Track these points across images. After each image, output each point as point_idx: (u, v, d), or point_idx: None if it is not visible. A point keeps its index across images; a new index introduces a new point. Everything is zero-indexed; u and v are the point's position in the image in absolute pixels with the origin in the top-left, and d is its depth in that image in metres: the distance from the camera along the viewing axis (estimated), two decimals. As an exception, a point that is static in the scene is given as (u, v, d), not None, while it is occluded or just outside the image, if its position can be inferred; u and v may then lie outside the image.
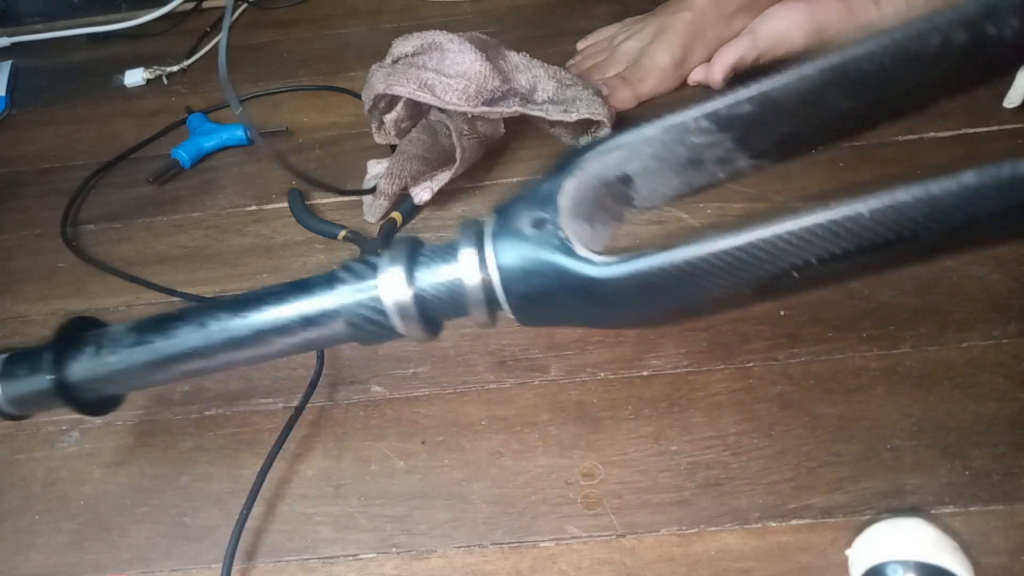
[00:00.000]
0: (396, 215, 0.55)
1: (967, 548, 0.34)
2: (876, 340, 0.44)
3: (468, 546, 0.39)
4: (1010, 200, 0.20)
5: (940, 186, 0.20)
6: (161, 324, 0.34)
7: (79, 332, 0.37)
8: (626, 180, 0.27)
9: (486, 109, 0.54)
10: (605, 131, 0.56)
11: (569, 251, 0.25)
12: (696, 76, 0.62)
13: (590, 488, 0.40)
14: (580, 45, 0.68)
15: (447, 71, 0.54)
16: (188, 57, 0.76)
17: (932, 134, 0.54)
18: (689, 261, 0.23)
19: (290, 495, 0.42)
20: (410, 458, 0.43)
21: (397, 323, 0.30)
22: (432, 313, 0.30)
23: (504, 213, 0.27)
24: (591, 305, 0.26)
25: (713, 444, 0.41)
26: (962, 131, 0.54)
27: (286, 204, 0.59)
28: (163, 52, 0.77)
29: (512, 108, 0.54)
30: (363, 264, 0.30)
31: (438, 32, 0.56)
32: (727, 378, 0.43)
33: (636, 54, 0.62)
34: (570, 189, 0.26)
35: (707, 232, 0.23)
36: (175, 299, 0.53)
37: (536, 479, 0.41)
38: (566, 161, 0.27)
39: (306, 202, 0.59)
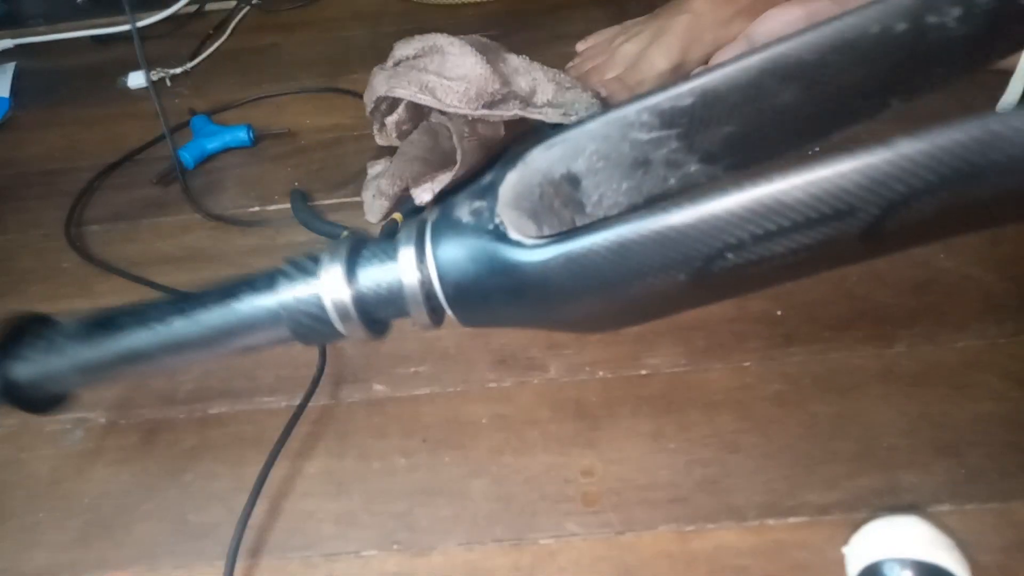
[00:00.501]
0: (397, 216, 0.56)
1: (963, 546, 0.34)
2: (872, 339, 0.44)
3: (468, 543, 0.39)
4: (953, 174, 0.18)
5: (875, 154, 0.19)
6: (107, 322, 0.32)
7: (24, 330, 0.35)
8: (573, 181, 0.26)
9: (486, 112, 0.55)
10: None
11: (501, 236, 0.24)
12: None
13: (589, 485, 0.40)
14: (579, 47, 0.68)
15: (448, 74, 0.55)
16: (191, 59, 0.77)
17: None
18: (617, 238, 0.22)
19: (293, 492, 0.42)
20: (412, 456, 0.43)
21: (337, 324, 0.28)
22: (373, 313, 0.28)
23: (446, 206, 0.27)
24: (524, 295, 0.25)
25: (710, 442, 0.41)
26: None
27: (289, 205, 0.59)
28: (166, 54, 0.78)
29: (512, 111, 0.55)
30: (305, 261, 0.29)
31: (439, 35, 0.56)
32: (724, 377, 0.44)
33: (634, 57, 0.62)
34: (512, 180, 0.25)
35: (639, 210, 0.22)
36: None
37: (536, 476, 0.41)
38: (511, 154, 0.26)
39: (308, 203, 0.59)
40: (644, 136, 0.24)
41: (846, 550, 0.36)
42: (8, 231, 0.62)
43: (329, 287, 0.28)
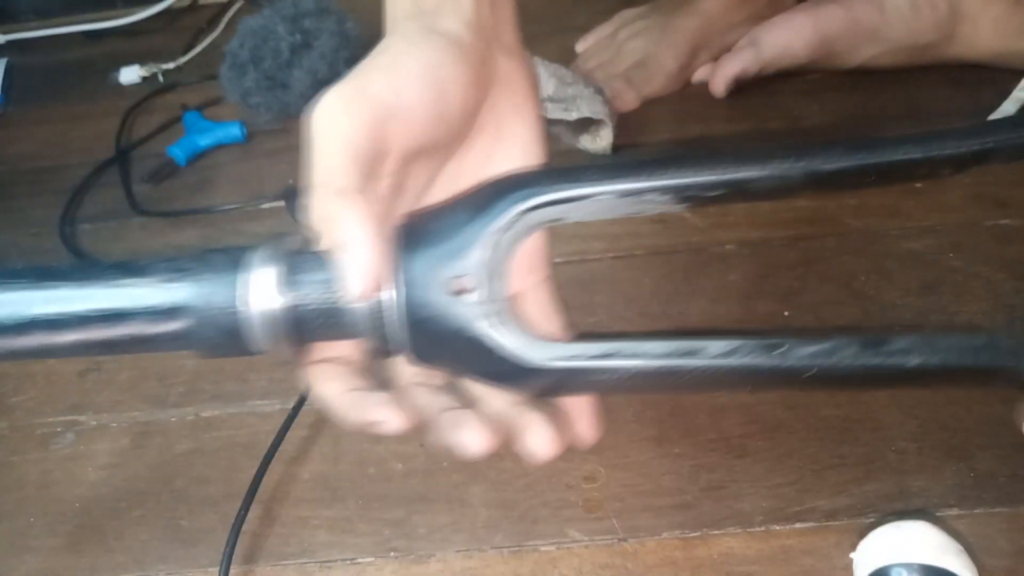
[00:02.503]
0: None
1: (972, 551, 0.34)
2: (880, 341, 0.44)
3: (467, 550, 0.38)
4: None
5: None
6: None
7: None
8: (558, 221, 0.25)
9: (485, 107, 0.54)
10: (607, 131, 0.56)
11: (491, 330, 0.23)
12: (700, 75, 0.62)
13: (591, 491, 0.40)
14: (579, 47, 0.67)
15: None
16: (184, 54, 0.76)
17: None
18: (630, 372, 0.23)
19: (287, 498, 0.41)
20: (408, 461, 0.42)
21: (255, 336, 0.24)
22: (304, 330, 0.24)
23: (416, 250, 0.24)
24: (506, 379, 0.24)
25: (716, 446, 0.40)
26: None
27: (282, 202, 0.58)
28: (159, 49, 0.77)
29: (512, 106, 0.54)
30: (232, 255, 0.24)
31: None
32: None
33: (641, 54, 0.62)
34: (501, 243, 0.23)
35: (644, 342, 0.23)
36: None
37: (537, 482, 0.40)
38: (499, 205, 0.24)
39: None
40: (651, 204, 0.24)
41: (854, 556, 0.35)
42: (-2, 229, 0.61)
43: (254, 293, 0.23)
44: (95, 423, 0.47)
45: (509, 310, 0.24)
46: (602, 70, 0.62)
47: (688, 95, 0.62)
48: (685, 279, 0.49)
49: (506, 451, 0.42)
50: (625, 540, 0.38)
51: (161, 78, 0.74)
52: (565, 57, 0.66)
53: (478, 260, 0.23)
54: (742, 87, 0.60)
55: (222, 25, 0.80)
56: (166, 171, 0.63)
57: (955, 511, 0.37)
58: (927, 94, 0.58)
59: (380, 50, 0.24)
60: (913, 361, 0.22)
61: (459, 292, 0.23)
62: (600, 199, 0.24)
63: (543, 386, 0.24)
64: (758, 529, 0.37)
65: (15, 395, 0.49)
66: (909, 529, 0.34)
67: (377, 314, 0.23)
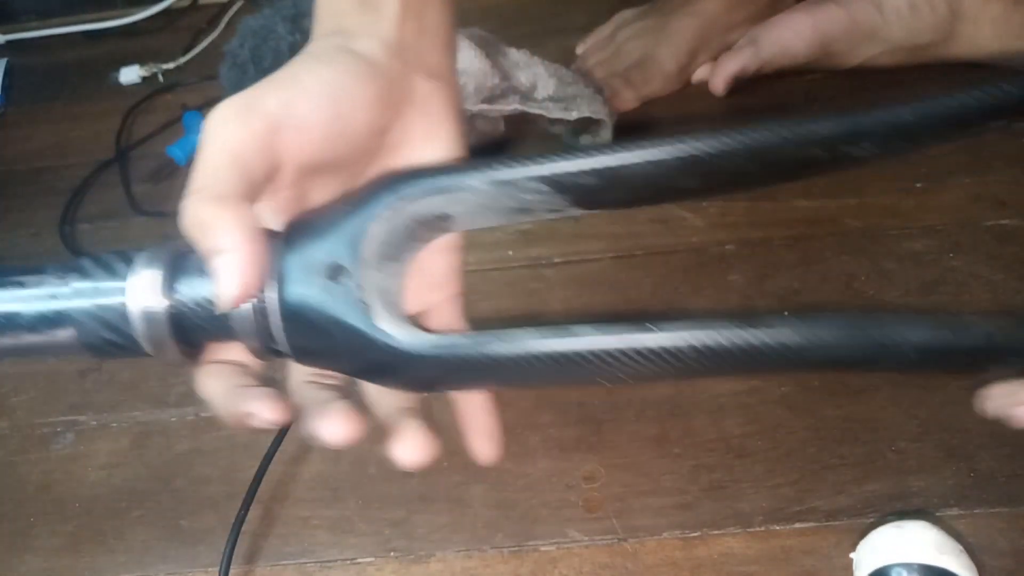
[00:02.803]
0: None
1: (972, 551, 0.34)
2: (880, 341, 0.43)
3: (467, 550, 0.38)
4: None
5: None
6: None
7: None
8: (445, 218, 0.25)
9: (485, 107, 0.54)
10: (606, 131, 0.56)
11: (367, 319, 0.22)
12: (699, 75, 0.62)
13: (591, 491, 0.40)
14: (579, 50, 0.67)
15: (446, 68, 0.54)
16: (184, 54, 0.76)
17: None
18: (498, 358, 0.22)
19: (287, 498, 0.41)
20: (409, 460, 0.42)
21: (142, 339, 0.24)
22: (190, 333, 0.24)
23: (295, 247, 0.23)
24: (384, 370, 0.24)
25: (716, 446, 0.40)
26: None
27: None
28: (159, 49, 0.77)
29: (511, 106, 0.54)
30: (114, 260, 0.24)
31: (437, 29, 0.55)
32: (731, 380, 0.43)
33: (640, 54, 0.62)
34: (378, 234, 0.23)
35: (524, 330, 0.22)
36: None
37: (537, 482, 0.40)
38: (376, 196, 0.24)
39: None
40: (532, 197, 0.23)
41: (854, 556, 0.35)
42: (-3, 229, 0.61)
43: (139, 295, 0.23)
44: (95, 423, 0.47)
45: (388, 300, 0.23)
46: (601, 70, 0.62)
47: (688, 95, 0.62)
48: (685, 279, 0.49)
49: (506, 451, 0.42)
50: (625, 540, 0.38)
51: (161, 78, 0.74)
52: (565, 57, 0.66)
53: (352, 250, 0.23)
54: (741, 86, 0.60)
55: (222, 25, 0.80)
56: (166, 171, 0.63)
57: (955, 511, 0.37)
58: (927, 94, 0.58)
59: (287, 66, 0.24)
60: (791, 339, 0.22)
61: (333, 280, 0.23)
62: (478, 190, 0.23)
63: (419, 377, 0.24)
64: (758, 529, 0.37)
65: (15, 395, 0.49)
66: (909, 529, 0.34)
67: (258, 315, 0.23)
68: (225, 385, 0.24)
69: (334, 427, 0.22)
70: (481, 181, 0.23)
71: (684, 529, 0.38)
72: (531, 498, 0.40)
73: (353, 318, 0.23)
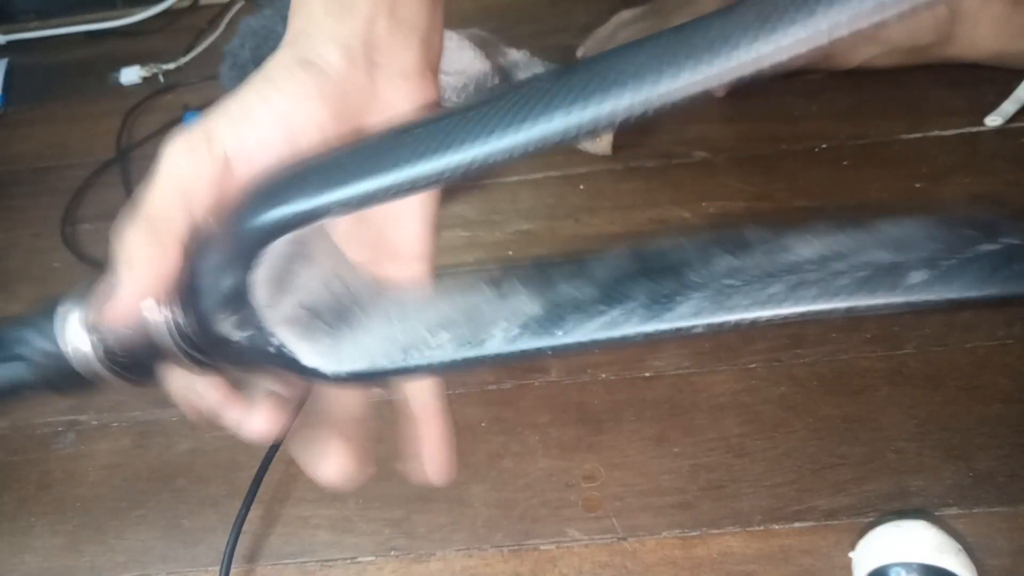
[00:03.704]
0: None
1: (971, 550, 0.34)
2: (880, 341, 0.44)
3: (467, 549, 0.38)
4: None
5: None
6: None
7: None
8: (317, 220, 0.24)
9: (485, 107, 0.54)
10: (606, 131, 0.56)
11: (290, 361, 0.22)
12: None
13: (591, 491, 0.40)
14: (579, 50, 0.67)
15: (445, 68, 0.54)
16: (184, 55, 0.76)
17: (936, 132, 0.54)
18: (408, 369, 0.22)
19: (288, 498, 0.42)
20: (409, 460, 0.42)
21: (90, 377, 0.24)
22: (123, 364, 0.24)
23: (202, 272, 0.23)
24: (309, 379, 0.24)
25: (716, 446, 0.40)
26: (966, 129, 0.54)
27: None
28: (159, 49, 0.77)
29: (512, 106, 0.54)
30: (48, 301, 0.25)
31: (437, 29, 0.55)
32: (730, 379, 0.43)
33: None
34: (260, 281, 0.22)
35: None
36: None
37: (536, 481, 0.40)
38: (238, 253, 0.22)
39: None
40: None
41: (853, 555, 0.35)
42: (-2, 229, 0.61)
43: (68, 334, 0.24)
44: (96, 423, 0.47)
45: (301, 325, 0.23)
46: None
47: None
48: (685, 279, 0.49)
49: (506, 451, 0.42)
50: (624, 539, 0.38)
51: (162, 78, 0.74)
52: (565, 57, 0.66)
53: (242, 300, 0.22)
54: (741, 87, 0.60)
55: (223, 25, 0.80)
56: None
57: (954, 511, 0.37)
58: (927, 94, 0.58)
59: (243, 88, 0.24)
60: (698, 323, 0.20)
61: (242, 326, 0.23)
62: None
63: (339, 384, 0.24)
64: (757, 528, 0.37)
65: (16, 395, 0.49)
66: (908, 529, 0.34)
67: (172, 333, 0.23)
68: (183, 382, 0.25)
69: (253, 423, 0.24)
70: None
71: (683, 528, 0.38)
72: (531, 497, 0.40)
73: (276, 361, 0.23)
